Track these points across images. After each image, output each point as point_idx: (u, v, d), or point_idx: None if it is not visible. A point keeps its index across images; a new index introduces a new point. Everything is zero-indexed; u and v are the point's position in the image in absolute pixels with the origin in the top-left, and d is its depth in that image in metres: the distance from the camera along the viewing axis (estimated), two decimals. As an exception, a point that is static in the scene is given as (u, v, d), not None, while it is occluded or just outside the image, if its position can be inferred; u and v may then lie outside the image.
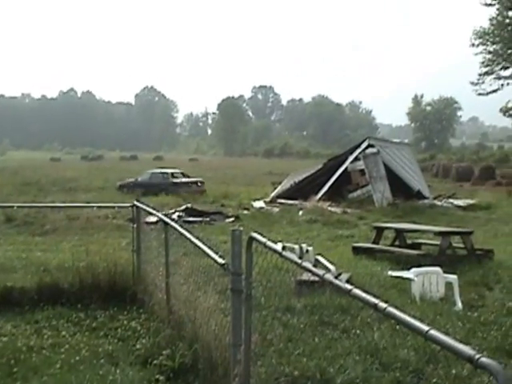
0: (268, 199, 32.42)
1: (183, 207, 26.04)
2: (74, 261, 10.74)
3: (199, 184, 38.55)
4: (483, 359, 2.31)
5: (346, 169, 31.89)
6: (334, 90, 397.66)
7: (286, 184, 35.33)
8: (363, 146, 31.99)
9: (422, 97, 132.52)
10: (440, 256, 13.69)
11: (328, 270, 11.52)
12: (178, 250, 8.22)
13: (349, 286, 3.38)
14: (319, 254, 13.32)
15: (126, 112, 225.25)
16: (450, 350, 2.50)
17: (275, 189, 35.75)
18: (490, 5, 66.13)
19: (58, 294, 9.87)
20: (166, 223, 8.16)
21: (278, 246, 4.62)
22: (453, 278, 10.72)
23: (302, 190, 31.80)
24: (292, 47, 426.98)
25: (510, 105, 74.35)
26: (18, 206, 18.86)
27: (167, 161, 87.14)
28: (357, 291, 3.28)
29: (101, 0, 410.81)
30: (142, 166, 61.87)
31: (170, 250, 8.20)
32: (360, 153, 31.67)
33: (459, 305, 10.05)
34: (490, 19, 68.10)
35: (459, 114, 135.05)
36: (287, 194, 32.35)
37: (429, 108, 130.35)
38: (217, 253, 5.70)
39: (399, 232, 16.05)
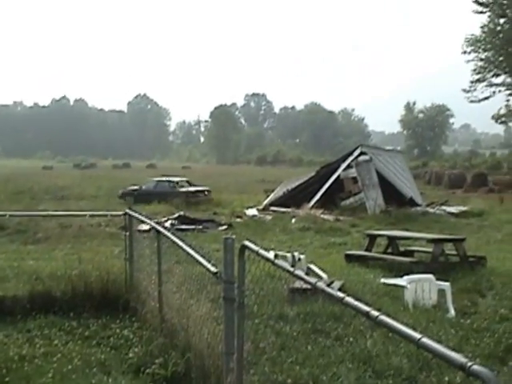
0: (261, 207, 32.35)
1: (176, 215, 25.98)
2: (66, 269, 10.70)
3: (206, 193, 37.52)
4: (475, 367, 2.31)
5: (338, 176, 31.87)
6: (326, 97, 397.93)
7: (278, 192, 35.28)
8: (356, 153, 31.98)
9: (414, 104, 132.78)
10: (433, 263, 13.71)
11: (320, 278, 11.54)
12: (171, 258, 8.22)
13: (341, 294, 3.39)
14: (311, 262, 13.34)
15: (119, 120, 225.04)
16: (441, 358, 2.50)
17: (268, 196, 35.67)
18: (482, 12, 66.42)
19: (51, 302, 9.81)
20: (158, 231, 8.15)
21: (271, 255, 4.63)
22: (445, 285, 10.73)
23: (294, 198, 31.76)
24: (284, 55, 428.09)
25: (501, 112, 74.71)
26: (11, 215, 18.80)
27: (160, 169, 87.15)
28: (349, 299, 3.28)
29: (93, 8, 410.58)
30: (134, 174, 61.80)
31: (163, 258, 8.19)
32: (352, 160, 31.66)
33: (452, 312, 10.06)
34: (482, 27, 68.46)
35: (451, 121, 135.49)
36: (280, 202, 32.31)
37: (421, 115, 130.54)
38: (209, 261, 5.70)
39: (392, 239, 16.06)
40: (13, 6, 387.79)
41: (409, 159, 74.96)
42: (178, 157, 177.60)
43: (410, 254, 15.37)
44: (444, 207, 31.98)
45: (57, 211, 22.46)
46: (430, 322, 9.14)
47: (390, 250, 15.83)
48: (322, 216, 27.18)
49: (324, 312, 9.30)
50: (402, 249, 15.87)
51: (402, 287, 10.93)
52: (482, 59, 69.82)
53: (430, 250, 14.55)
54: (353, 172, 31.52)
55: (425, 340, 2.60)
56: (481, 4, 65.81)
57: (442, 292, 10.69)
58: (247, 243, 4.88)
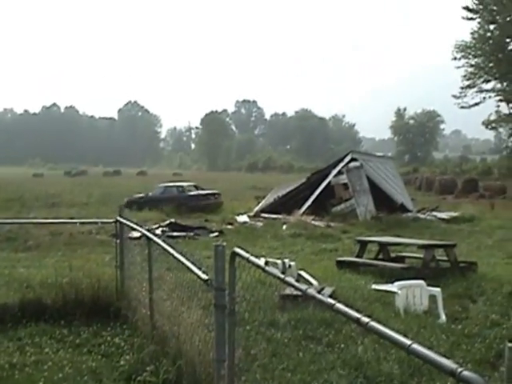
0: (252, 213, 32.32)
1: (167, 222, 25.94)
2: (57, 277, 10.67)
3: (216, 196, 37.03)
4: (465, 372, 2.31)
5: (329, 183, 31.88)
6: (317, 103, 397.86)
7: (269, 198, 35.27)
8: (346, 159, 32.03)
9: (405, 110, 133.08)
10: (423, 269, 13.74)
11: (311, 284, 11.56)
12: (162, 265, 8.21)
13: (331, 301, 3.39)
14: (302, 269, 13.34)
15: (110, 127, 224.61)
16: (432, 364, 2.51)
17: (259, 203, 35.65)
18: (472, 19, 66.82)
19: (41, 310, 9.77)
20: (149, 238, 8.14)
21: (261, 261, 4.64)
22: (436, 290, 10.75)
23: (285, 204, 31.76)
24: (276, 60, 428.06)
25: (492, 118, 75.11)
26: (1, 223, 18.71)
27: (151, 176, 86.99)
28: (339, 305, 3.28)
29: (84, 16, 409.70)
30: (125, 181, 61.67)
31: (154, 266, 8.18)
32: (343, 167, 31.69)
33: (443, 317, 10.08)
34: (472, 33, 68.85)
35: (442, 127, 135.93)
36: (271, 209, 32.31)
37: (412, 121, 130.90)
38: (200, 268, 5.70)
39: (383, 245, 16.09)
40: (3, 13, 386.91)
41: (399, 165, 75.24)
42: (168, 164, 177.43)
43: (401, 259, 15.39)
44: (435, 213, 32.05)
45: (47, 219, 22.39)
46: (422, 328, 9.16)
47: (381, 256, 15.84)
48: (313, 222, 27.20)
49: (315, 318, 9.29)
50: (393, 255, 15.90)
51: (393, 293, 10.94)
52: (472, 65, 70.20)
53: (421, 255, 14.58)
54: (344, 178, 31.53)
55: (415, 346, 2.60)
56: (470, 10, 66.26)
57: (433, 298, 10.71)
58: (238, 250, 4.89)
